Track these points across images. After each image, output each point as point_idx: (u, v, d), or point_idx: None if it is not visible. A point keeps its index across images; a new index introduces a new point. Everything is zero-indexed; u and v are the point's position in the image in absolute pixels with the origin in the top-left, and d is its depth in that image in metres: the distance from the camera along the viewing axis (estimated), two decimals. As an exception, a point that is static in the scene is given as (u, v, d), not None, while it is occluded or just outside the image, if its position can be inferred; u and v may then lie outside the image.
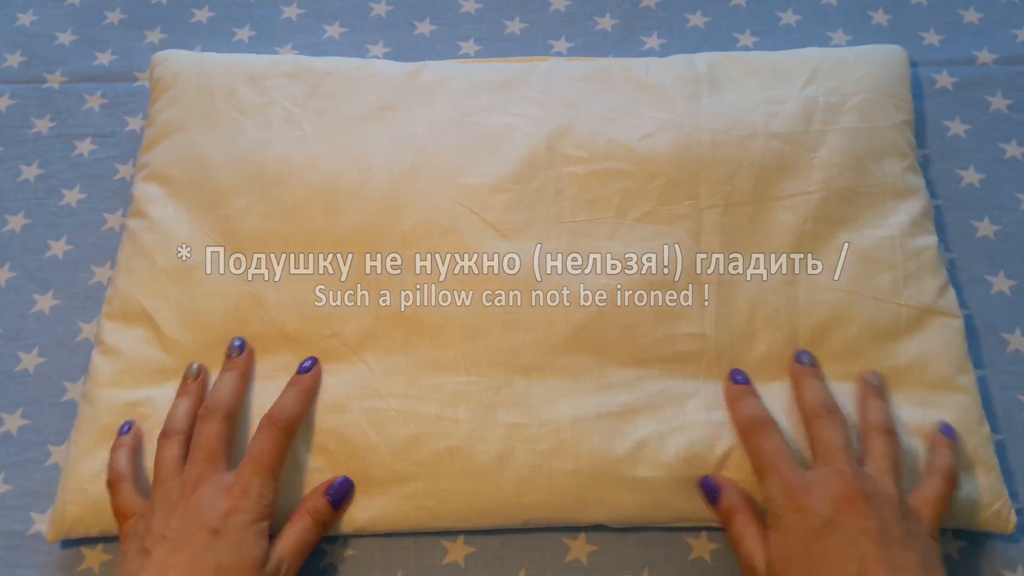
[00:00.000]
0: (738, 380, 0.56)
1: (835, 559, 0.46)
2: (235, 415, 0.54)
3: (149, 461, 0.54)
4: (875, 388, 0.55)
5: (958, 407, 0.55)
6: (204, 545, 0.47)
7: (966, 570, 0.54)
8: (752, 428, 0.53)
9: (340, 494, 0.53)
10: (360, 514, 0.54)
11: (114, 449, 0.54)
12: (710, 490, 0.53)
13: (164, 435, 0.53)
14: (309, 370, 0.56)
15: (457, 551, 0.55)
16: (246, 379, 0.56)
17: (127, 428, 0.54)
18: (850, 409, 0.55)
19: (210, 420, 0.53)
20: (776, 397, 0.56)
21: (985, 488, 0.53)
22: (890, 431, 0.52)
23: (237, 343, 0.56)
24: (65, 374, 0.60)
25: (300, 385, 0.55)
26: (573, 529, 0.55)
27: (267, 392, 0.55)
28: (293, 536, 0.51)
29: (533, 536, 0.55)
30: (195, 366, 0.56)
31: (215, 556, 0.47)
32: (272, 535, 0.51)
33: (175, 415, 0.54)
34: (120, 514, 0.51)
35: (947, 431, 0.54)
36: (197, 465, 0.51)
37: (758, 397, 0.55)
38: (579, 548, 0.55)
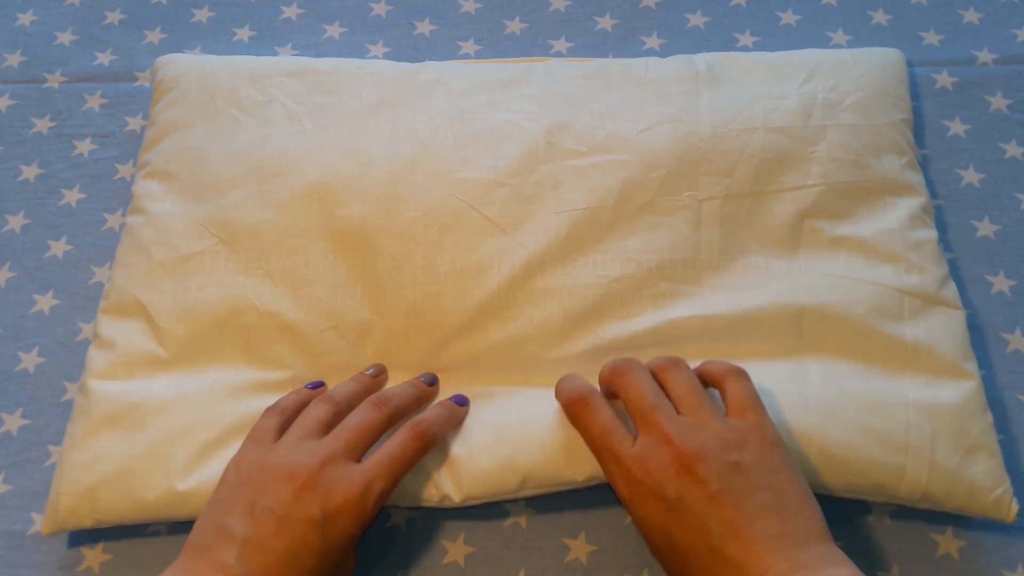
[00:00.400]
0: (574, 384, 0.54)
1: (692, 526, 0.46)
2: (397, 420, 0.53)
3: (135, 449, 0.53)
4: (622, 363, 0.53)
5: (962, 392, 0.55)
6: (306, 541, 0.47)
7: (966, 570, 0.54)
8: (573, 406, 0.52)
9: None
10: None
11: (292, 392, 0.54)
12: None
13: (323, 399, 0.53)
14: (463, 405, 0.56)
15: (457, 551, 0.55)
16: (365, 394, 0.55)
17: (315, 386, 0.56)
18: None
19: (380, 411, 0.52)
20: (778, 374, 0.55)
21: (986, 473, 0.53)
22: (676, 363, 0.52)
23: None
24: (65, 374, 0.60)
25: (450, 410, 0.55)
26: (573, 529, 0.55)
27: (268, 381, 0.56)
28: (387, 450, 0.50)
29: (533, 536, 0.55)
30: (372, 370, 0.56)
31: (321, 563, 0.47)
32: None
33: (341, 391, 0.54)
34: (253, 433, 0.51)
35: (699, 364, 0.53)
36: (339, 443, 0.50)
37: (577, 376, 0.53)
38: (579, 548, 0.55)
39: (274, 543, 0.46)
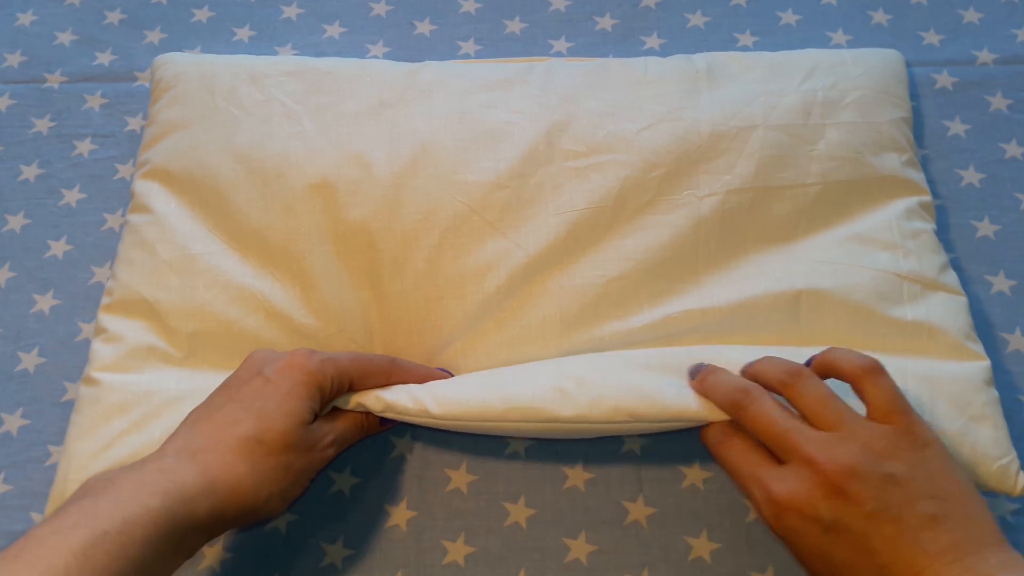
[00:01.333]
0: (693, 373, 0.52)
1: (854, 549, 0.43)
2: (349, 372, 0.52)
3: (150, 437, 0.54)
4: (707, 370, 0.51)
5: (968, 371, 0.54)
6: (254, 390, 0.49)
7: (966, 570, 0.54)
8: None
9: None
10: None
11: (715, 373, 0.51)
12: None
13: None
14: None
15: (457, 551, 0.55)
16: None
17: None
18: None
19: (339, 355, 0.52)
20: (774, 354, 0.55)
21: (991, 440, 0.52)
22: (798, 372, 0.48)
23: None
24: (65, 374, 0.60)
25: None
26: (573, 529, 0.55)
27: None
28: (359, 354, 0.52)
29: (533, 536, 0.55)
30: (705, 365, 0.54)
31: (260, 401, 0.48)
32: None
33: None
34: (289, 350, 0.52)
35: (818, 356, 0.49)
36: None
37: (723, 370, 0.50)
38: (579, 548, 0.55)
39: (235, 397, 0.49)
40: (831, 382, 0.49)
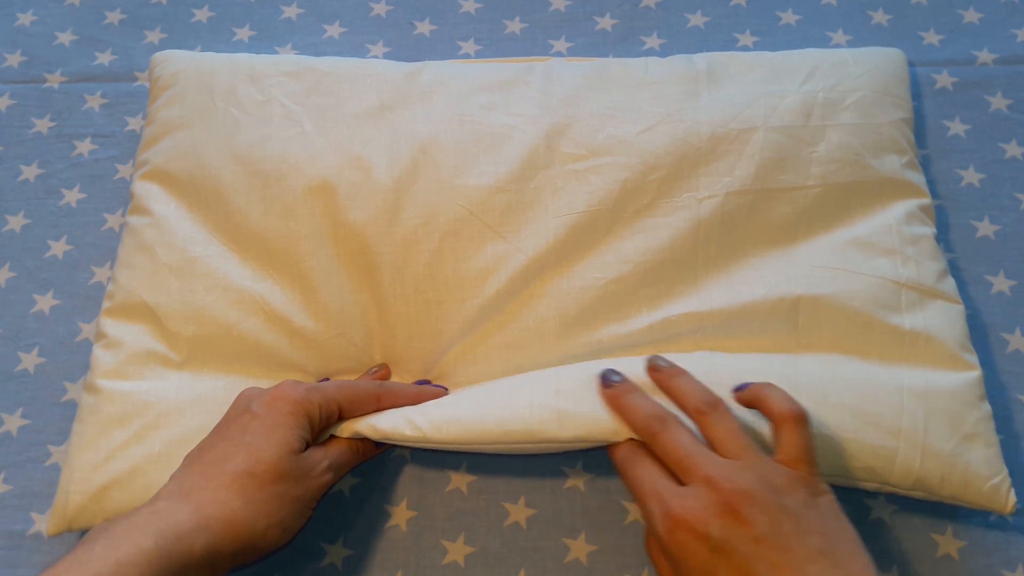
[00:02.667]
0: (612, 381, 0.52)
1: (739, 572, 0.44)
2: (339, 407, 0.53)
3: (150, 449, 0.54)
4: (670, 371, 0.52)
5: (962, 382, 0.54)
6: (243, 426, 0.49)
7: (966, 570, 0.54)
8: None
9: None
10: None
11: (628, 392, 0.51)
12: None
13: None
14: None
15: (457, 551, 0.55)
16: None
17: (375, 369, 0.58)
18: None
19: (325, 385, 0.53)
20: (772, 362, 0.55)
21: (983, 460, 0.52)
22: (715, 403, 0.49)
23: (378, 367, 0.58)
24: (65, 374, 0.60)
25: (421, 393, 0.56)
26: (573, 529, 0.55)
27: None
28: (346, 382, 0.53)
29: (533, 536, 0.55)
30: (374, 370, 0.58)
31: (249, 435, 0.48)
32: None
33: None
34: (281, 385, 0.52)
35: (751, 384, 0.51)
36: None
37: (640, 392, 0.51)
38: (579, 548, 0.55)
39: (226, 437, 0.49)
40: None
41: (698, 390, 0.50)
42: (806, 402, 0.49)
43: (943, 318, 0.56)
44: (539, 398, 0.52)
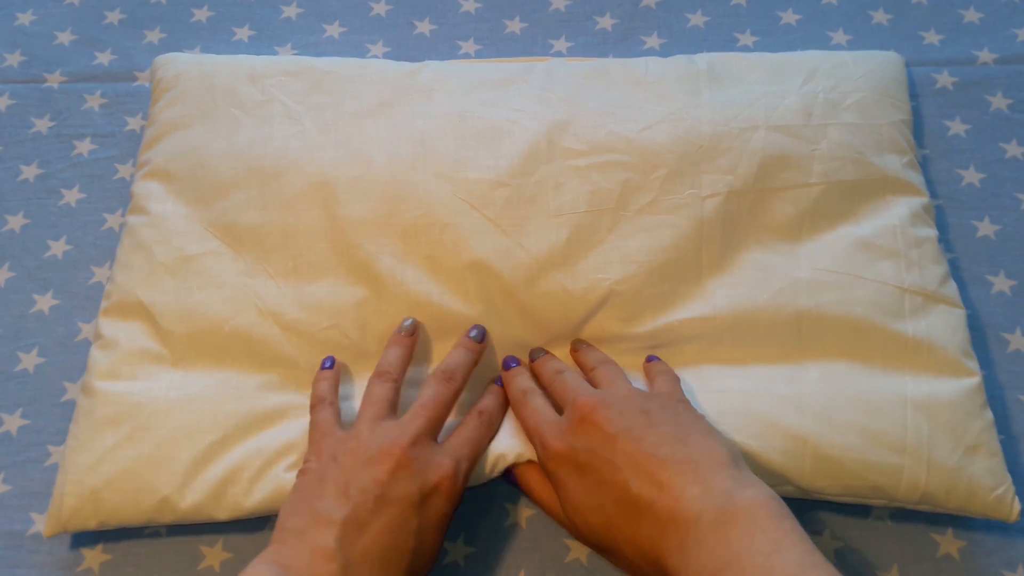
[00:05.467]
0: (510, 366, 0.57)
1: (603, 473, 0.47)
2: (461, 391, 0.55)
3: (140, 451, 0.54)
4: (518, 373, 0.56)
5: (962, 389, 0.55)
6: (404, 520, 0.48)
7: (966, 570, 0.54)
8: (514, 403, 0.55)
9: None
10: None
11: (320, 380, 0.55)
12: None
13: (380, 376, 0.53)
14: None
15: (457, 551, 0.55)
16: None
17: (330, 363, 0.56)
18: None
19: (450, 385, 0.54)
20: (776, 376, 0.55)
21: (987, 471, 0.53)
22: (604, 359, 0.55)
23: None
24: (65, 374, 0.60)
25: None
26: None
27: (271, 381, 0.56)
28: (465, 435, 0.53)
29: (533, 536, 0.55)
30: (411, 321, 0.57)
31: (414, 535, 0.48)
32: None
33: (389, 361, 0.55)
34: (321, 429, 0.52)
35: (652, 358, 0.56)
36: (422, 421, 0.51)
37: (525, 374, 0.56)
38: (579, 548, 0.55)
39: (374, 522, 0.46)
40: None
41: (597, 354, 0.57)
42: (811, 425, 0.53)
43: (945, 324, 0.56)
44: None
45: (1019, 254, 0.64)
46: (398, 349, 0.55)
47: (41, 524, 0.56)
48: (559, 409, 0.53)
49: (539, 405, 0.53)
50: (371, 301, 0.57)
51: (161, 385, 0.56)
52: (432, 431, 0.51)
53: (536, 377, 0.56)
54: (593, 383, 0.54)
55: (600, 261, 0.57)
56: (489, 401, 0.55)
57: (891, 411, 0.53)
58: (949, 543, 0.55)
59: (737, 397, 0.54)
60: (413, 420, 0.51)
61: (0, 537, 0.56)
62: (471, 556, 0.55)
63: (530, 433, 0.52)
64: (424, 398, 0.52)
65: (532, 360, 0.57)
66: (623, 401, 0.50)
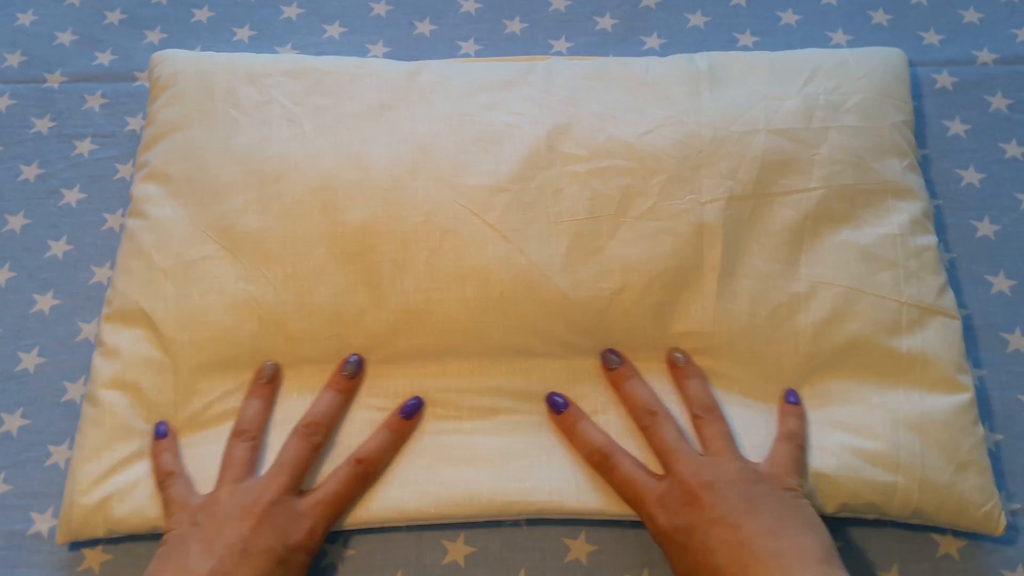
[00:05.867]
0: (560, 407, 0.56)
1: (699, 556, 0.48)
2: (324, 438, 0.55)
3: (149, 468, 0.54)
4: (685, 368, 0.56)
5: (955, 406, 0.55)
6: (268, 572, 0.49)
7: (966, 570, 0.54)
8: (598, 465, 0.54)
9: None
10: (361, 513, 0.54)
11: (160, 452, 0.54)
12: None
13: (236, 435, 0.54)
14: (412, 415, 0.56)
15: (457, 551, 0.55)
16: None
17: (164, 431, 0.55)
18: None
19: (314, 441, 0.54)
20: (773, 396, 0.56)
21: (977, 487, 0.53)
22: (711, 408, 0.54)
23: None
24: (65, 374, 0.60)
25: (396, 430, 0.55)
26: (573, 529, 0.55)
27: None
28: (332, 488, 0.53)
29: (533, 536, 0.55)
30: (270, 367, 0.57)
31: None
32: None
33: (247, 417, 0.55)
34: (174, 505, 0.52)
35: (792, 399, 0.56)
36: (282, 478, 0.52)
37: (588, 420, 0.55)
38: (579, 548, 0.55)
39: (239, 573, 0.48)
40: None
41: (642, 396, 0.55)
42: (809, 447, 0.54)
43: (941, 338, 0.57)
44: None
45: (1019, 254, 0.64)
46: (256, 402, 0.56)
47: (41, 524, 0.56)
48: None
49: (631, 471, 0.53)
50: (371, 308, 0.57)
51: (167, 399, 0.56)
52: (293, 487, 0.52)
53: (612, 385, 0.56)
54: (701, 438, 0.54)
55: (600, 268, 0.57)
56: (372, 448, 0.54)
57: (884, 431, 0.54)
58: (949, 543, 0.55)
59: (735, 422, 0.55)
60: (274, 479, 0.52)
61: (0, 537, 0.56)
62: (471, 556, 0.55)
63: (631, 503, 0.53)
64: (285, 457, 0.53)
65: (608, 366, 0.57)
66: (729, 486, 0.50)
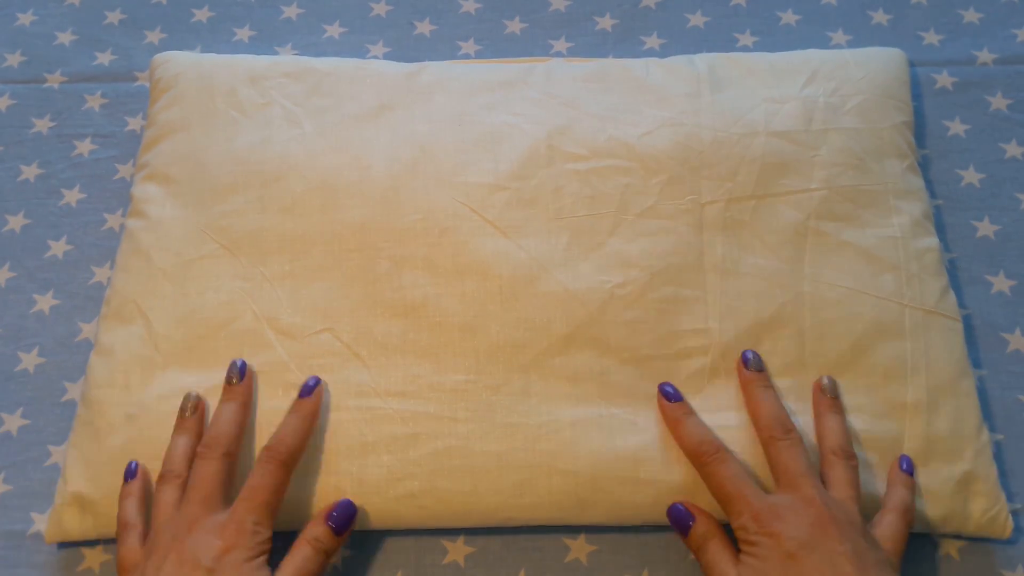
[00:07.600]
0: (671, 397, 0.55)
1: (814, 571, 0.46)
2: (235, 452, 0.52)
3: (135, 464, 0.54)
4: (831, 401, 0.54)
5: (958, 411, 0.55)
6: None
7: (966, 570, 0.54)
8: (704, 455, 0.52)
9: (342, 520, 0.51)
10: (359, 521, 0.54)
11: (122, 498, 0.52)
12: (680, 517, 0.52)
13: (162, 478, 0.52)
14: (311, 392, 0.54)
15: (457, 551, 0.55)
16: (247, 408, 0.54)
17: (133, 471, 0.53)
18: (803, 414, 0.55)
19: (208, 459, 0.51)
20: (784, 394, 0.55)
21: (982, 494, 0.53)
22: (850, 455, 0.52)
23: (238, 365, 0.55)
24: (65, 374, 0.60)
25: (301, 412, 0.53)
26: (573, 529, 0.55)
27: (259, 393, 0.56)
28: (293, 566, 0.49)
29: (533, 536, 0.55)
30: (192, 397, 0.54)
31: None
32: (275, 567, 0.49)
33: (173, 456, 0.52)
34: (122, 564, 0.49)
35: (906, 467, 0.53)
36: (193, 506, 0.49)
37: (696, 415, 0.54)
38: (579, 548, 0.55)
39: None
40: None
41: (776, 410, 0.53)
42: (813, 457, 0.53)
43: (943, 341, 0.56)
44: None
45: (1019, 254, 0.64)
46: (183, 439, 0.53)
47: (41, 524, 0.56)
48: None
49: (740, 471, 0.51)
50: (367, 304, 0.57)
51: (155, 394, 0.55)
52: (210, 506, 0.50)
53: (743, 386, 0.55)
54: (827, 477, 0.51)
55: (601, 263, 0.57)
56: (280, 436, 0.52)
57: (888, 443, 0.54)
58: (949, 543, 0.55)
59: (737, 432, 0.54)
60: (186, 507, 0.50)
61: (0, 537, 0.56)
62: (471, 556, 0.55)
63: (730, 498, 0.51)
64: (192, 480, 0.51)
65: (745, 363, 0.55)
66: (856, 534, 0.48)
